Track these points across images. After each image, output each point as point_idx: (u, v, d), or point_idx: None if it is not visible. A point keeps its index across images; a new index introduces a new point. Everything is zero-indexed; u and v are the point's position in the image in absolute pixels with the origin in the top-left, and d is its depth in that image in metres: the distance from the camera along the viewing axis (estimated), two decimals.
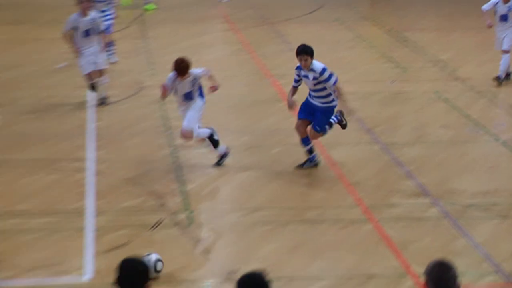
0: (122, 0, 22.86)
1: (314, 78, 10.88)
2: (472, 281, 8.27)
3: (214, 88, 11.24)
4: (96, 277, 8.34)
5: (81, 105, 14.22)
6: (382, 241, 9.21)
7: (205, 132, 11.32)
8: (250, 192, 10.67)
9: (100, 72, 14.18)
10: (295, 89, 11.18)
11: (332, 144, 12.25)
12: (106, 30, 16.02)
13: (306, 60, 10.84)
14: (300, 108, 11.22)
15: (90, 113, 13.94)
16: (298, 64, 10.96)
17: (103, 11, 15.93)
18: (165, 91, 11.08)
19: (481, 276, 8.45)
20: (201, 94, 11.24)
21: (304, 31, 20.79)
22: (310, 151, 11.29)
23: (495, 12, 15.57)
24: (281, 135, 12.59)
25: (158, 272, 8.16)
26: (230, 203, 10.43)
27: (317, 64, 10.88)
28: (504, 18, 15.44)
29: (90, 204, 10.20)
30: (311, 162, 11.31)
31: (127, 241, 9.12)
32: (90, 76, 14.02)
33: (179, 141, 11.70)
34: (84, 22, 13.82)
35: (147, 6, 23.17)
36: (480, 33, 16.46)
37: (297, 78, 11.08)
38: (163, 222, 9.66)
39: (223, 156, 11.40)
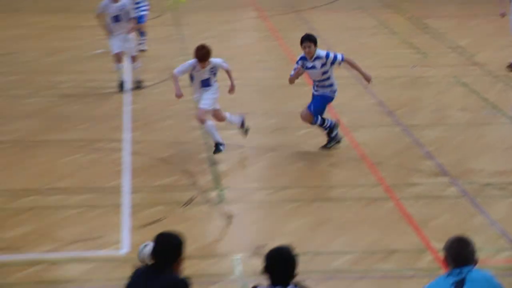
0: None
1: (322, 65, 10.73)
2: (488, 256, 8.23)
3: (232, 90, 11.01)
4: (133, 251, 8.39)
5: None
6: (403, 218, 9.19)
7: (236, 119, 11.22)
8: (277, 171, 10.67)
9: (133, 58, 14.20)
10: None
11: (355, 126, 12.22)
12: (140, 20, 16.06)
13: (309, 47, 10.71)
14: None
15: (126, 97, 13.99)
16: (300, 56, 10.81)
17: (137, 3, 15.91)
18: (176, 82, 10.80)
19: (498, 252, 8.40)
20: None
21: (329, 19, 20.70)
22: (329, 132, 11.16)
23: (510, 0, 15.40)
24: None
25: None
26: (258, 181, 10.44)
27: (321, 51, 10.79)
28: None
29: (126, 182, 10.25)
30: (333, 141, 11.19)
31: (161, 217, 9.17)
32: (118, 56, 13.99)
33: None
34: (114, 8, 13.80)
35: None
36: (499, 20, 16.24)
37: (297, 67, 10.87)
38: (195, 199, 9.70)
39: (243, 124, 11.26)
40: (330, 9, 21.99)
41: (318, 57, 10.77)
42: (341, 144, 11.31)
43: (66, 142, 11.71)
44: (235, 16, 21.42)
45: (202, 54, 10.58)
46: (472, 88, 14.29)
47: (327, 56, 10.77)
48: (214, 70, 10.77)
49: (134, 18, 14.17)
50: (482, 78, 14.97)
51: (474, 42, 17.74)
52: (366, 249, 8.46)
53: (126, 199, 9.74)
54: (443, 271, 5.27)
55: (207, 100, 10.82)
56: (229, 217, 9.23)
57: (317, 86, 11.01)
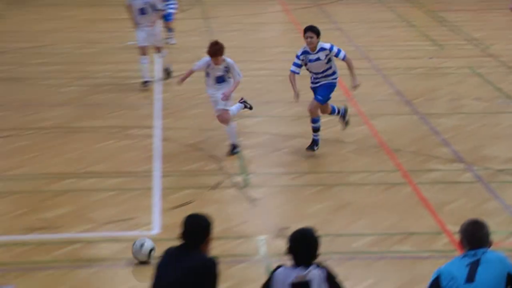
0: None
1: (326, 56, 10.48)
2: (502, 239, 8.18)
3: (225, 97, 10.51)
4: (163, 231, 8.44)
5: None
6: (420, 203, 9.15)
7: (238, 107, 11.07)
8: (299, 157, 10.66)
9: (158, 48, 14.18)
10: (295, 76, 10.52)
11: (374, 115, 12.17)
12: (167, 17, 16.06)
13: (312, 37, 10.30)
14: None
15: (157, 86, 14.03)
16: (302, 49, 10.43)
17: (166, 0, 15.86)
18: (188, 74, 10.74)
19: (511, 235, 8.35)
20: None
21: (349, 12, 20.59)
22: (343, 116, 10.95)
23: None
24: None
25: (150, 258, 7.70)
26: (281, 167, 10.44)
27: (325, 43, 10.43)
28: None
29: (157, 166, 10.30)
30: (346, 124, 10.98)
31: (190, 200, 9.21)
32: (143, 49, 13.93)
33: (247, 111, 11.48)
34: (139, 1, 13.74)
35: None
36: None
37: (299, 63, 10.47)
38: (222, 184, 9.73)
39: (245, 104, 11.06)
40: (351, 2, 21.87)
41: (322, 49, 10.36)
42: (361, 132, 11.27)
43: (100, 128, 11.78)
44: (260, 9, 21.38)
45: (214, 50, 10.34)
46: (487, 79, 14.18)
47: (331, 49, 10.40)
48: (227, 70, 10.52)
49: (161, 10, 14.07)
50: (497, 69, 14.85)
51: (489, 35, 17.60)
52: (384, 231, 8.45)
53: (157, 183, 9.79)
54: (458, 253, 5.25)
55: (234, 107, 10.76)
56: (254, 201, 9.25)
57: (319, 78, 10.57)
